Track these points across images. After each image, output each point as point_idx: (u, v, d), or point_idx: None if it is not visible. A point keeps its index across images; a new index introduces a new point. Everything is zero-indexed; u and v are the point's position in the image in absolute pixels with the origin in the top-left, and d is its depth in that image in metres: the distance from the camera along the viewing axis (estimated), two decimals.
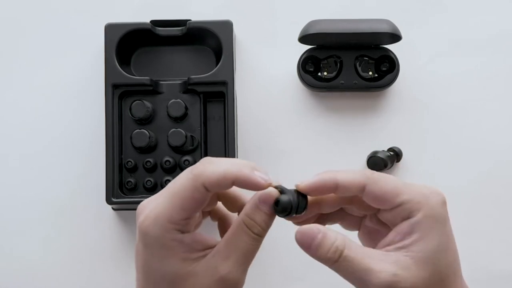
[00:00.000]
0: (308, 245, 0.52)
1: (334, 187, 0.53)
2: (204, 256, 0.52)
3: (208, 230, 0.57)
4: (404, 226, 0.52)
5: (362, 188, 0.52)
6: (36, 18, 0.85)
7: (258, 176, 0.52)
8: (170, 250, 0.51)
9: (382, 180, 0.52)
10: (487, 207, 0.83)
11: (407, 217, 0.52)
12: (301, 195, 0.53)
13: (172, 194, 0.52)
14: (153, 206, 0.52)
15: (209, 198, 0.52)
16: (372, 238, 0.57)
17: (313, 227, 0.52)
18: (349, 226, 0.58)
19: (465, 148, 0.84)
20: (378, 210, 0.55)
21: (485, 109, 0.84)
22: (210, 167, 0.51)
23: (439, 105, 0.84)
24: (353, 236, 0.56)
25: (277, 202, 0.52)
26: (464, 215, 0.82)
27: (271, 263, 0.82)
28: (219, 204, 0.57)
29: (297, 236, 0.52)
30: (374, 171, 0.53)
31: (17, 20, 0.85)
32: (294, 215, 0.53)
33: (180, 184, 0.52)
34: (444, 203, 0.53)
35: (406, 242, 0.52)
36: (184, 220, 0.51)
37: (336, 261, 0.51)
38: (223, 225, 0.57)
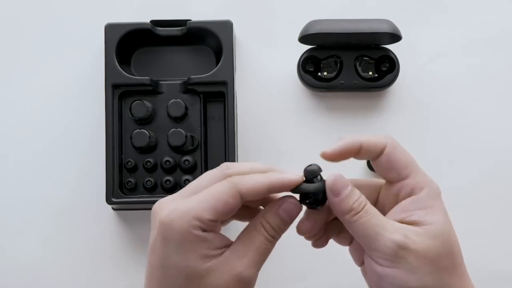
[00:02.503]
0: (338, 193, 0.54)
1: (358, 149, 0.55)
2: (221, 254, 0.53)
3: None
4: (407, 203, 0.54)
5: (382, 150, 0.55)
6: (36, 18, 0.85)
7: (290, 174, 0.55)
8: (192, 245, 0.52)
9: (399, 148, 0.55)
10: (487, 207, 0.83)
11: (410, 194, 0.55)
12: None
13: (206, 194, 0.53)
14: (179, 204, 0.53)
15: (238, 208, 0.54)
16: (361, 255, 0.58)
17: (344, 179, 0.54)
18: (340, 240, 0.59)
19: (465, 148, 0.84)
20: (379, 192, 0.57)
21: (485, 109, 0.84)
22: (246, 177, 0.53)
23: (439, 105, 0.84)
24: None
25: (305, 195, 0.55)
26: (464, 215, 0.81)
27: (272, 263, 0.82)
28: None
29: (329, 182, 0.54)
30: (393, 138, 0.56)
31: (17, 20, 0.85)
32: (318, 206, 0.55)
33: (215, 187, 0.53)
34: (439, 188, 0.56)
35: (413, 218, 0.54)
36: (211, 222, 0.52)
37: (357, 213, 0.54)
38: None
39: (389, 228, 0.53)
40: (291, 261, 0.81)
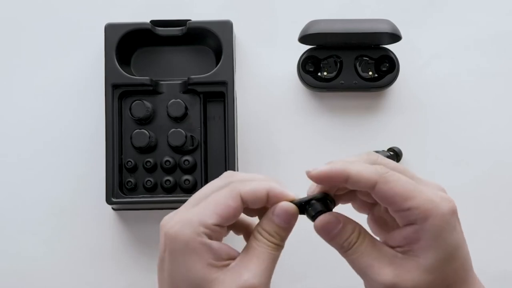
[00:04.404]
0: (328, 234, 0.54)
1: (345, 180, 0.53)
2: (228, 265, 0.53)
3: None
4: (410, 231, 0.53)
5: (373, 186, 0.52)
6: (36, 18, 0.85)
7: (289, 192, 0.54)
8: (198, 254, 0.52)
9: (393, 180, 0.52)
10: (487, 207, 0.83)
11: (414, 222, 0.53)
12: (320, 199, 0.55)
13: (207, 201, 0.53)
14: (183, 215, 0.53)
15: (241, 212, 0.54)
16: (380, 225, 0.58)
17: (334, 219, 0.54)
18: (360, 209, 0.59)
19: (465, 148, 0.84)
20: None
21: (485, 109, 0.84)
22: (246, 181, 0.54)
23: (439, 105, 0.84)
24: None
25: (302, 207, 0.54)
26: (464, 215, 0.81)
27: None
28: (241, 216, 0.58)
29: (318, 224, 0.54)
30: (388, 167, 0.53)
31: (17, 20, 0.85)
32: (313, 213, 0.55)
33: (216, 194, 0.53)
34: (453, 211, 0.53)
35: (412, 247, 0.53)
36: (215, 226, 0.52)
37: (347, 251, 0.54)
38: (249, 236, 0.58)
39: (377, 269, 0.53)
40: (290, 262, 0.81)
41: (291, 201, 0.54)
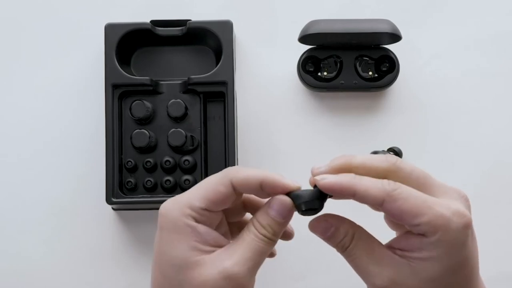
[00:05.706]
0: (321, 235, 0.55)
1: (352, 195, 0.53)
2: (213, 251, 0.53)
3: None
4: (416, 240, 0.53)
5: (380, 204, 0.52)
6: (36, 18, 0.85)
7: (288, 179, 0.54)
8: (182, 234, 0.53)
9: (401, 198, 0.52)
10: (487, 207, 0.83)
11: (422, 234, 0.52)
12: (318, 195, 0.54)
13: (199, 184, 0.54)
14: (177, 196, 0.54)
15: (233, 199, 0.54)
16: (396, 225, 0.57)
17: (326, 222, 0.54)
18: (376, 209, 0.58)
19: (465, 148, 0.84)
20: None
21: (485, 109, 0.84)
22: (241, 168, 0.54)
23: (439, 105, 0.84)
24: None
25: (296, 198, 0.54)
26: None
27: (270, 263, 0.82)
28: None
29: (310, 225, 0.55)
30: (397, 183, 0.52)
31: (17, 20, 0.85)
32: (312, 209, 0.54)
33: (207, 178, 0.54)
34: (466, 226, 0.53)
35: (414, 255, 0.53)
36: (202, 210, 0.53)
37: (342, 252, 0.55)
38: None
39: (371, 272, 0.53)
40: (289, 261, 0.81)
41: (289, 193, 0.54)
